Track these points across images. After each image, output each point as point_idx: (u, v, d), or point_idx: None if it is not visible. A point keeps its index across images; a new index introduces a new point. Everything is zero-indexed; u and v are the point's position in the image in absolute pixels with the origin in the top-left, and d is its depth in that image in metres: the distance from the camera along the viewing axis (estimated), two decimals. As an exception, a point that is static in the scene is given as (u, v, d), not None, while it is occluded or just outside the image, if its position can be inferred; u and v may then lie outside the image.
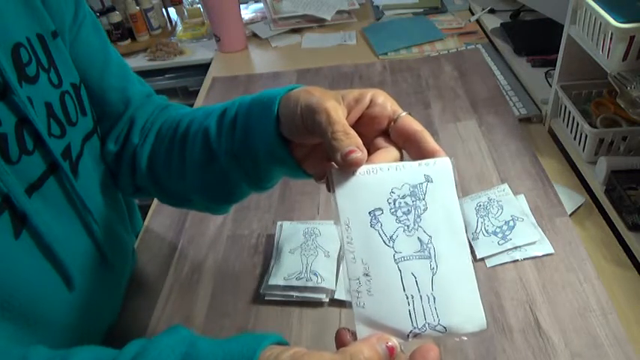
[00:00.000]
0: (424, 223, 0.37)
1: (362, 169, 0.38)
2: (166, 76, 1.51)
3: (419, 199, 0.38)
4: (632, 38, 0.69)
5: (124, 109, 0.61)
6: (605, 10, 0.72)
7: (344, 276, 0.37)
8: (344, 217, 0.37)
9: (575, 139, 0.87)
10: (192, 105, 0.71)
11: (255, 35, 1.51)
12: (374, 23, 1.48)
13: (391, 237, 0.37)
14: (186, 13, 1.63)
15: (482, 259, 0.70)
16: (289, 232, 0.76)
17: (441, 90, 1.09)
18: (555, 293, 0.65)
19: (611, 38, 0.71)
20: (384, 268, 0.36)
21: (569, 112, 0.88)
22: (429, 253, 0.37)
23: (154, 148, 0.58)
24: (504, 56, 1.21)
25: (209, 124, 0.51)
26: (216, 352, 0.36)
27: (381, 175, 0.38)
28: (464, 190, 0.80)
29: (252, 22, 1.58)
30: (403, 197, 0.38)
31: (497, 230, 0.73)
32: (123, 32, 1.50)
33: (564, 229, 0.73)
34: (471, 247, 0.70)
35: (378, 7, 1.56)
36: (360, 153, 0.37)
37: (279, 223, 0.78)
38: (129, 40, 1.53)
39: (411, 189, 0.38)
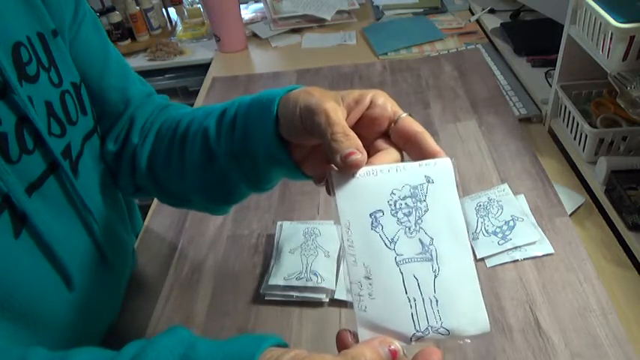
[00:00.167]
0: (425, 224, 0.37)
1: (362, 171, 0.38)
2: (166, 76, 1.51)
3: (420, 200, 0.37)
4: (632, 38, 0.69)
5: (124, 109, 0.61)
6: (605, 10, 0.72)
7: (345, 277, 0.37)
8: (344, 219, 0.37)
9: (575, 139, 0.87)
10: (192, 105, 0.71)
11: (255, 35, 1.51)
12: (374, 23, 1.48)
13: (392, 239, 0.36)
14: (186, 13, 1.63)
15: (482, 259, 0.70)
16: (289, 232, 0.76)
17: (441, 90, 1.09)
18: (555, 293, 0.65)
19: (611, 38, 0.71)
20: (385, 271, 0.36)
21: (569, 112, 0.88)
22: (431, 255, 0.36)
23: (154, 148, 0.58)
24: (504, 56, 1.21)
25: (208, 124, 0.51)
26: (215, 353, 0.36)
27: (381, 177, 0.38)
28: (464, 190, 0.80)
29: (252, 22, 1.58)
30: (404, 199, 0.37)
31: (497, 230, 0.73)
32: (123, 32, 1.50)
33: (564, 229, 0.73)
34: (471, 247, 0.70)
35: (378, 7, 1.56)
36: (360, 155, 0.37)
37: (279, 223, 0.78)
38: (129, 40, 1.53)
39: (412, 190, 0.37)
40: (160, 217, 0.85)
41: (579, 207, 0.79)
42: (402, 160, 0.41)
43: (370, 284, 0.35)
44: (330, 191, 0.38)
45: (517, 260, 0.69)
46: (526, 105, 1.03)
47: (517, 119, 0.98)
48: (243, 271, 0.73)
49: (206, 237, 0.80)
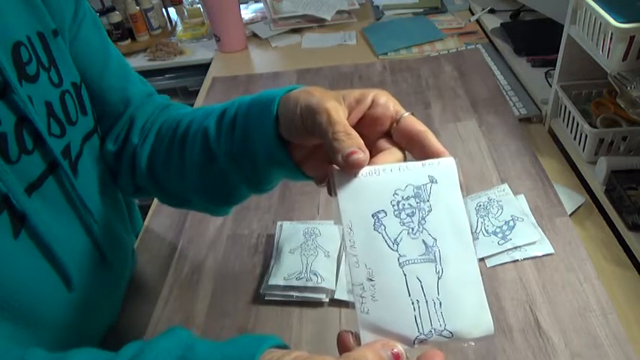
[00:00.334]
0: (429, 225, 0.36)
1: (364, 171, 0.37)
2: (166, 76, 1.51)
3: (423, 200, 0.37)
4: (632, 38, 0.69)
5: (124, 109, 0.61)
6: (605, 10, 0.72)
7: (346, 278, 0.36)
8: (346, 220, 0.36)
9: (575, 139, 0.87)
10: (192, 105, 0.71)
11: (255, 35, 1.51)
12: (374, 23, 1.48)
13: (395, 240, 0.36)
14: (186, 13, 1.63)
15: (483, 259, 0.70)
16: (289, 232, 0.76)
17: (441, 90, 1.09)
18: (555, 293, 0.65)
19: (611, 38, 0.71)
20: (388, 273, 0.35)
21: (569, 112, 0.88)
22: (434, 256, 0.36)
23: (154, 148, 0.58)
24: (504, 56, 1.21)
25: (208, 124, 0.51)
26: (214, 355, 0.35)
27: (383, 177, 0.37)
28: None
29: (252, 22, 1.58)
30: (407, 199, 0.37)
31: (497, 230, 0.73)
32: (123, 32, 1.50)
33: (564, 229, 0.73)
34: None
35: (378, 7, 1.56)
36: (362, 154, 0.37)
37: (279, 223, 0.78)
38: (129, 40, 1.52)
39: (415, 190, 0.37)
40: (159, 217, 0.85)
41: (579, 207, 0.79)
42: (405, 160, 0.41)
43: (373, 286, 0.35)
44: (332, 192, 0.38)
45: (517, 260, 0.69)
46: (526, 105, 1.03)
47: (517, 119, 0.98)
48: (243, 271, 0.73)
49: (206, 237, 0.80)
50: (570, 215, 0.77)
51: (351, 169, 0.37)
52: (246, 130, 0.47)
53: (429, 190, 0.37)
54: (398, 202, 0.37)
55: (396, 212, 0.36)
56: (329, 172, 0.38)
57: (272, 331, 0.64)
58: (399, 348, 0.33)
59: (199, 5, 1.61)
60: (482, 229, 0.73)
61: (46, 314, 0.49)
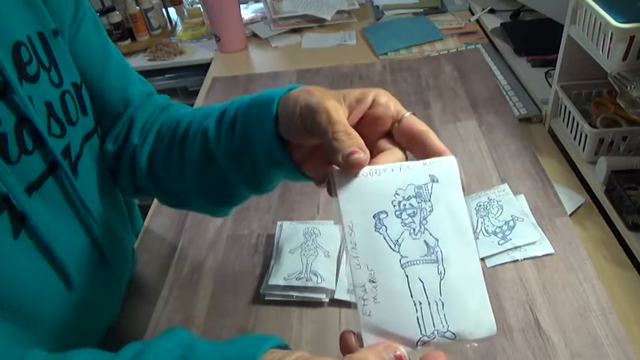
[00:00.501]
0: (430, 225, 0.36)
1: (365, 171, 0.37)
2: (166, 76, 1.51)
3: (424, 200, 0.36)
4: (632, 38, 0.69)
5: (124, 109, 0.61)
6: (605, 10, 0.72)
7: (347, 279, 0.36)
8: (347, 221, 0.36)
9: (575, 139, 0.87)
10: (192, 105, 0.71)
11: (255, 35, 1.51)
12: (374, 23, 1.48)
13: (397, 241, 0.35)
14: (186, 13, 1.63)
15: (483, 259, 0.70)
16: (289, 232, 0.76)
17: (441, 90, 1.09)
18: (555, 293, 0.65)
19: (611, 38, 0.71)
20: (390, 274, 0.35)
21: (569, 112, 0.88)
22: (436, 256, 0.35)
23: (154, 149, 0.58)
24: (504, 56, 1.21)
25: (208, 124, 0.51)
26: (214, 355, 0.35)
27: (384, 176, 0.37)
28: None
29: (252, 22, 1.58)
30: (408, 199, 0.36)
31: (497, 230, 0.73)
32: (123, 32, 1.50)
33: (564, 229, 0.73)
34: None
35: (378, 7, 1.56)
36: (363, 154, 0.36)
37: (279, 223, 0.78)
38: (129, 40, 1.52)
39: (416, 190, 0.36)
40: (159, 217, 0.85)
41: (579, 207, 0.79)
42: (406, 160, 0.40)
43: (375, 288, 0.34)
44: (332, 192, 0.37)
45: (517, 260, 0.69)
46: (526, 105, 1.03)
47: (517, 119, 0.98)
48: (243, 271, 0.73)
49: (206, 237, 0.80)
50: (570, 215, 0.77)
51: (351, 169, 0.37)
52: (246, 130, 0.47)
53: (430, 190, 0.37)
54: (399, 203, 0.36)
55: (398, 212, 0.36)
56: (329, 173, 0.38)
57: (272, 331, 0.64)
58: (402, 350, 0.33)
59: (199, 5, 1.61)
60: (483, 229, 0.73)
61: (46, 314, 0.49)
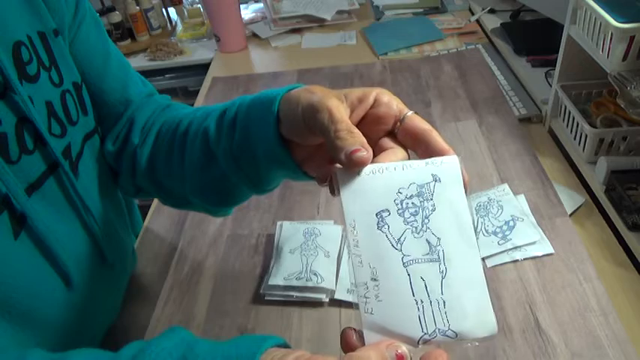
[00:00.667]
0: (432, 224, 0.36)
1: (367, 169, 0.37)
2: (166, 76, 1.51)
3: (426, 199, 0.36)
4: (632, 38, 0.69)
5: (124, 109, 0.61)
6: (605, 10, 0.72)
7: (350, 278, 0.36)
8: (350, 219, 0.36)
9: (575, 139, 0.87)
10: (192, 105, 0.71)
11: (255, 35, 1.51)
12: (374, 23, 1.48)
13: (399, 239, 0.35)
14: (186, 13, 1.63)
15: (483, 259, 0.69)
16: (289, 232, 0.76)
17: (441, 90, 1.09)
18: (555, 293, 0.65)
19: (611, 38, 0.71)
20: (392, 273, 0.35)
21: (569, 112, 0.88)
22: (438, 255, 0.35)
23: (154, 149, 0.58)
24: (504, 56, 1.21)
25: (209, 124, 0.51)
26: (215, 355, 0.35)
27: (387, 175, 0.37)
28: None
29: (252, 22, 1.58)
30: (410, 197, 0.36)
31: (497, 230, 0.73)
32: (123, 32, 1.50)
33: (564, 229, 0.73)
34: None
35: (378, 7, 1.56)
36: (366, 152, 0.36)
37: (279, 223, 0.78)
38: (129, 40, 1.52)
39: (419, 189, 0.37)
40: (159, 217, 0.85)
41: (579, 207, 0.79)
42: (409, 159, 0.40)
43: (376, 286, 0.34)
44: (335, 191, 0.37)
45: (517, 260, 0.69)
46: (526, 105, 1.03)
47: (517, 119, 0.98)
48: (243, 271, 0.73)
49: (206, 237, 0.80)
50: (570, 215, 0.77)
51: (354, 167, 0.37)
52: (247, 130, 0.47)
53: (432, 189, 0.37)
54: (401, 201, 0.36)
55: (400, 211, 0.36)
56: (331, 172, 0.38)
57: (272, 331, 0.64)
58: (404, 349, 0.33)
59: (199, 5, 1.61)
60: (483, 229, 0.73)
61: (46, 314, 0.49)
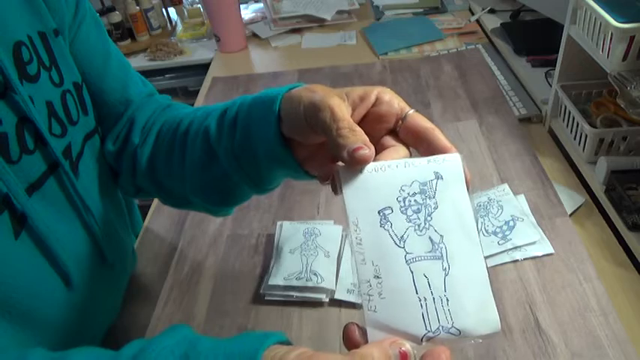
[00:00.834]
0: (435, 221, 0.36)
1: (369, 167, 0.37)
2: (166, 76, 1.51)
3: (429, 197, 0.36)
4: (632, 38, 0.69)
5: (125, 109, 0.61)
6: (605, 10, 0.72)
7: (353, 276, 0.36)
8: (352, 217, 0.36)
9: (575, 139, 0.87)
10: (192, 105, 0.71)
11: (255, 35, 1.51)
12: (374, 23, 1.48)
13: (402, 237, 0.35)
14: (186, 13, 1.63)
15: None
16: (289, 232, 0.76)
17: (441, 90, 1.09)
18: (555, 293, 0.65)
19: (611, 38, 0.71)
20: (395, 270, 0.35)
21: (569, 112, 0.88)
22: (441, 253, 0.35)
23: (155, 149, 0.58)
24: (504, 56, 1.21)
25: (209, 124, 0.51)
26: (217, 352, 0.35)
27: (389, 173, 0.37)
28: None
29: (252, 22, 1.58)
30: (413, 195, 0.36)
31: (498, 230, 0.73)
32: (123, 32, 1.50)
33: (564, 229, 0.73)
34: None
35: (378, 7, 1.56)
36: (368, 150, 0.36)
37: (279, 223, 0.78)
38: (129, 40, 1.52)
39: (421, 186, 0.37)
40: (160, 217, 0.85)
41: (579, 207, 0.79)
42: (411, 157, 0.40)
43: (380, 283, 0.34)
44: (337, 190, 0.37)
45: (517, 260, 0.69)
46: (526, 105, 1.03)
47: (517, 119, 0.98)
48: (243, 271, 0.73)
49: (206, 237, 0.80)
50: (570, 215, 0.77)
51: (356, 165, 0.37)
52: (248, 129, 0.47)
53: (434, 187, 0.37)
54: (404, 199, 0.36)
55: (403, 209, 0.36)
56: (333, 170, 0.38)
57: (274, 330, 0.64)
58: (407, 347, 0.33)
59: (199, 5, 1.61)
60: (483, 229, 0.73)
61: (46, 314, 0.49)
